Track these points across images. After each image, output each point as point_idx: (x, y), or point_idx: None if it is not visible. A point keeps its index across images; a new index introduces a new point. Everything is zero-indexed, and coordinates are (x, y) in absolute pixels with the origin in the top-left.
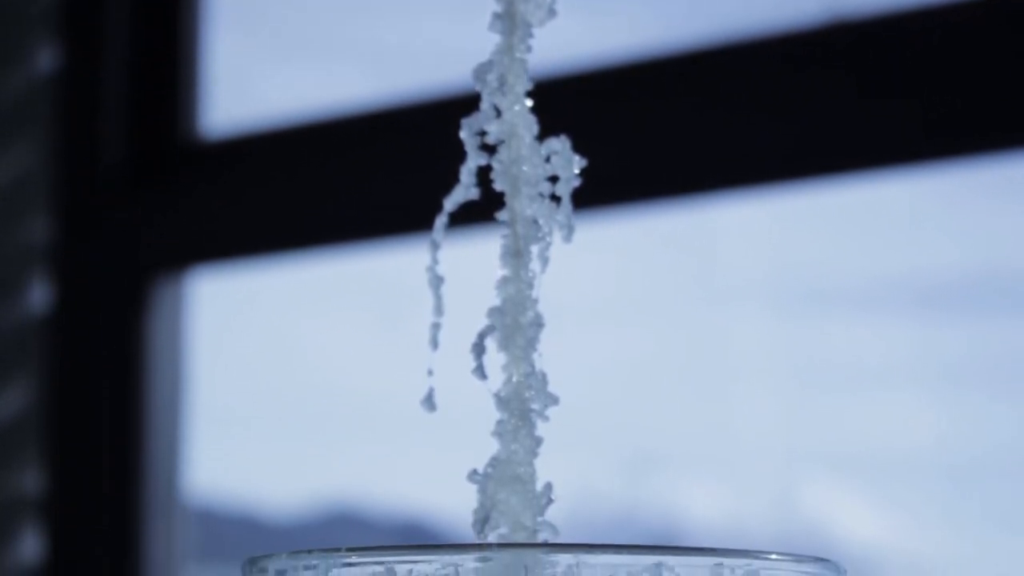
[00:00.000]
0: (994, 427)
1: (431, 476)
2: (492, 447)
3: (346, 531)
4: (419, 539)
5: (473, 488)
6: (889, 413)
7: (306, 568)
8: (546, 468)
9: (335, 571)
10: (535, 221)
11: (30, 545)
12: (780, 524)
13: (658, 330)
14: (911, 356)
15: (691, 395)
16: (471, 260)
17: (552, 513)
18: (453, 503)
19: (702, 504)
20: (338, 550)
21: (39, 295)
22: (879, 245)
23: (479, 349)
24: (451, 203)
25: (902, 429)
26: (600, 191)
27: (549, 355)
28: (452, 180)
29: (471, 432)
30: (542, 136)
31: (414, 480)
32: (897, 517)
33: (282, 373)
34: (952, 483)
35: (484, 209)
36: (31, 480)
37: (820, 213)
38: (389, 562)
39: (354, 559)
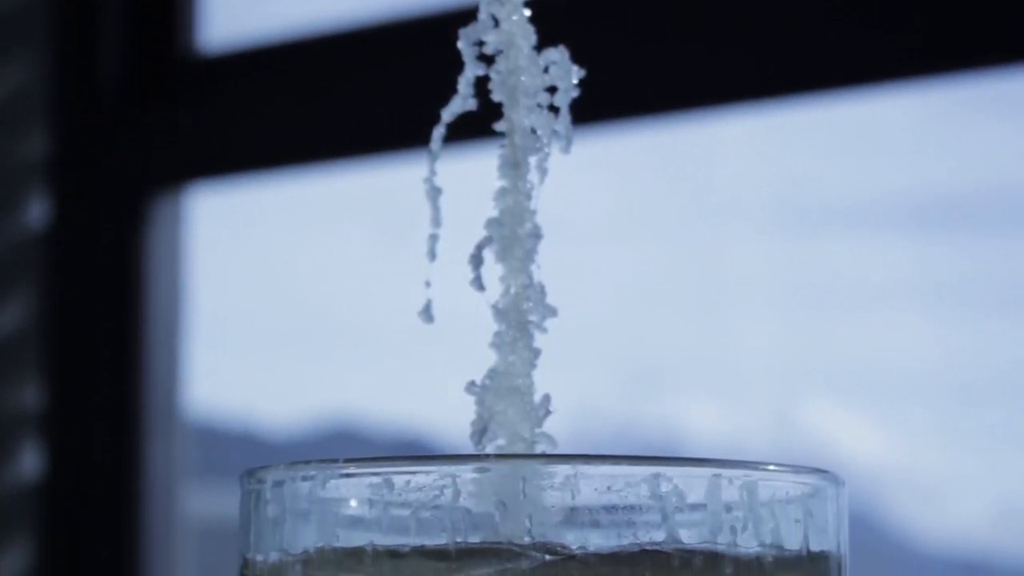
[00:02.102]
0: (994, 346)
1: (429, 391)
2: (490, 359)
3: (345, 447)
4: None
5: (471, 400)
6: (889, 331)
7: (304, 479)
8: (544, 380)
9: (332, 482)
10: (533, 132)
11: (29, 461)
12: (779, 442)
13: (657, 246)
14: (911, 274)
15: (689, 312)
16: (469, 173)
17: (550, 425)
18: (451, 418)
19: (701, 421)
20: (335, 461)
21: (38, 211)
22: (879, 162)
23: (477, 260)
24: (449, 114)
25: (902, 348)
26: (598, 105)
27: (547, 268)
28: (450, 91)
29: (469, 344)
30: (540, 46)
31: (412, 395)
32: (896, 435)
33: (281, 289)
34: (951, 401)
35: (482, 120)
36: (31, 396)
37: (819, 130)
38: (386, 473)
39: (352, 470)
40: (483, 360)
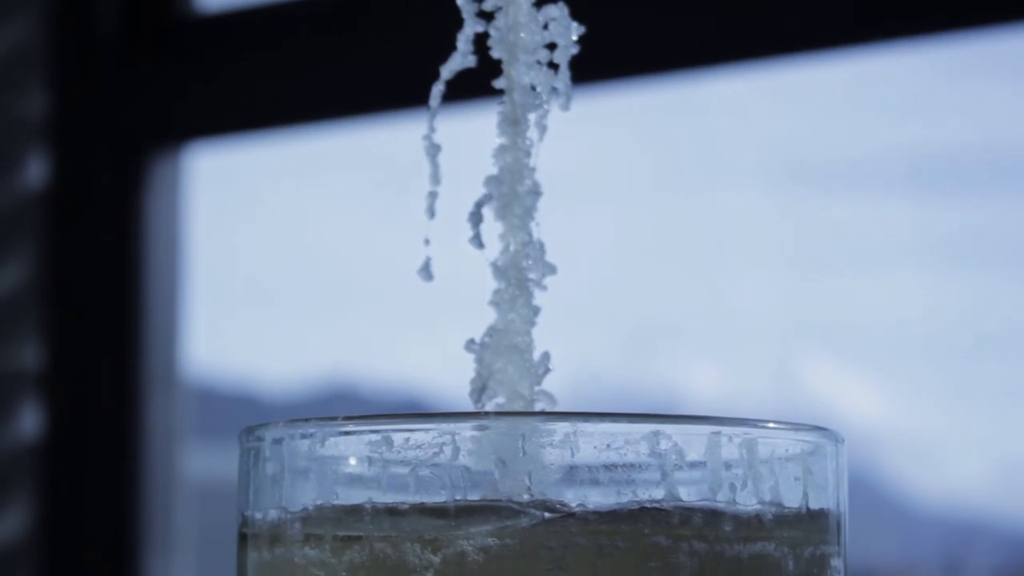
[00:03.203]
0: (993, 304)
1: (429, 350)
2: (489, 317)
3: (344, 408)
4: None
5: (471, 358)
6: (888, 290)
7: (303, 436)
8: (543, 338)
9: (332, 439)
10: (532, 89)
11: (29, 419)
12: (779, 401)
13: (656, 205)
14: (910, 232)
15: (689, 271)
16: (468, 131)
17: (549, 383)
18: (451, 377)
19: (701, 380)
20: (335, 419)
21: (37, 169)
22: (878, 121)
23: (476, 218)
24: (448, 71)
25: (901, 306)
26: (598, 62)
27: (547, 225)
28: (450, 48)
29: (468, 303)
30: (540, 2)
31: (412, 355)
32: (895, 394)
33: (280, 248)
34: (950, 360)
35: (481, 77)
36: (30, 354)
37: (818, 89)
38: (386, 431)
39: (351, 428)
40: (482, 318)
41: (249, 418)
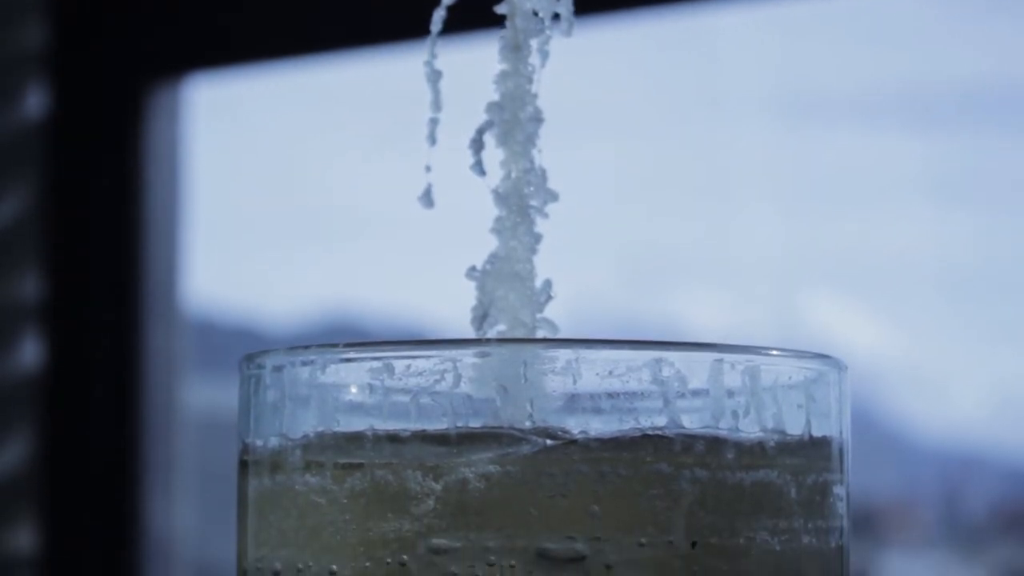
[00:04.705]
0: (995, 238)
1: (430, 280)
2: (491, 244)
3: (345, 339)
4: None
5: (472, 287)
6: (891, 224)
7: (304, 364)
8: (545, 266)
9: (332, 366)
10: (535, 14)
11: (30, 350)
12: (781, 332)
13: (659, 135)
14: (914, 167)
15: (691, 203)
16: (470, 61)
17: (551, 311)
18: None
19: (703, 313)
20: (335, 346)
21: (37, 101)
22: (883, 55)
23: (477, 145)
24: None
25: (904, 240)
26: None
27: (549, 153)
28: None
29: (470, 231)
30: None
31: (413, 286)
32: (896, 328)
33: (279, 180)
34: (952, 293)
35: (483, 3)
36: (31, 286)
37: (825, 21)
38: (387, 357)
39: (352, 355)
40: (484, 246)
41: (249, 351)
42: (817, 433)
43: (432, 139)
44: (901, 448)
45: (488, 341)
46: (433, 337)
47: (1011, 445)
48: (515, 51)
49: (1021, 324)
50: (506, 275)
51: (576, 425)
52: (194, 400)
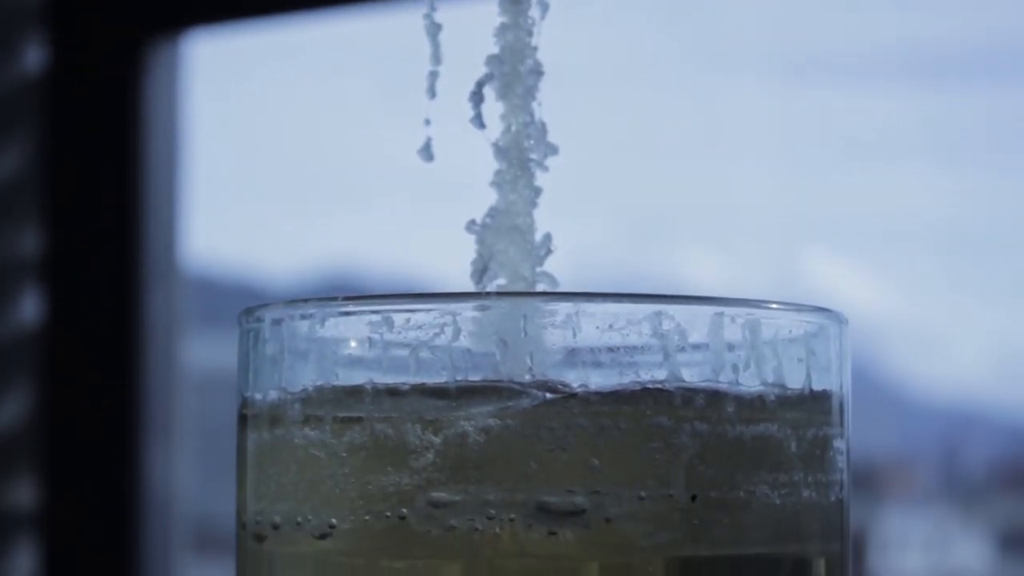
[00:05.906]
0: (995, 196)
1: (430, 236)
2: (491, 198)
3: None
4: None
5: (471, 241)
6: (891, 182)
7: (303, 317)
8: (545, 220)
9: (331, 320)
10: None
11: (29, 307)
12: (781, 289)
13: (660, 89)
14: (915, 124)
15: (691, 160)
16: (469, 17)
17: (551, 266)
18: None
19: (702, 270)
20: (334, 299)
21: (35, 56)
22: (883, 13)
23: (477, 98)
24: None
25: (903, 198)
26: None
27: (549, 107)
28: None
29: (469, 184)
30: None
31: (412, 242)
32: (895, 285)
33: (279, 137)
34: (952, 251)
35: None
36: (30, 242)
37: None
38: (386, 311)
39: (351, 308)
40: (484, 200)
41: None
42: (817, 387)
43: (432, 92)
44: (901, 405)
45: (488, 295)
46: (432, 291)
47: (1010, 403)
48: (515, 4)
49: (1021, 282)
50: (506, 229)
51: (576, 379)
52: (194, 356)
